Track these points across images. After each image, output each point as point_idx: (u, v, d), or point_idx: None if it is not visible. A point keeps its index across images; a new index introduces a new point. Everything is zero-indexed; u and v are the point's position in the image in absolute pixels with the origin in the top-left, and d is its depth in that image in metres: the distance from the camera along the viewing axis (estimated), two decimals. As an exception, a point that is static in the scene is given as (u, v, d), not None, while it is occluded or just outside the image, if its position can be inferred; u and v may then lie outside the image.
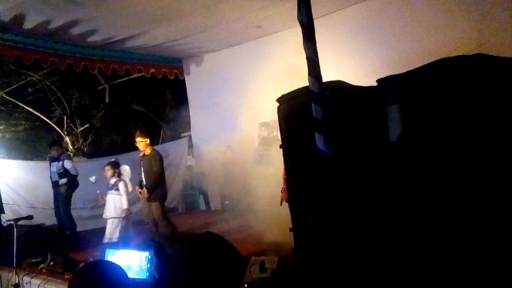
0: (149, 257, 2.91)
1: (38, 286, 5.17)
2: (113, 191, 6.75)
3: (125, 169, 7.00)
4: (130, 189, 6.84)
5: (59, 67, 8.67)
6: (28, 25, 7.12)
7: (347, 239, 2.02)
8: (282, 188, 6.68)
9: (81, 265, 4.12)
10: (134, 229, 7.09)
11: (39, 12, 6.75)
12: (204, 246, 4.48)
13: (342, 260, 2.05)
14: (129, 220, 6.86)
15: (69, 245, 6.93)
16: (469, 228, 2.81)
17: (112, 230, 6.63)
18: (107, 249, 3.91)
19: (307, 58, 3.26)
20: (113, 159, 7.22)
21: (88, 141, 14.72)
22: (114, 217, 6.66)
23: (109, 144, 14.75)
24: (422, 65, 3.15)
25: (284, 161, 3.87)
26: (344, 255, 2.06)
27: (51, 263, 5.66)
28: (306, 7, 3.27)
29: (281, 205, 6.52)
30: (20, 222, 5.62)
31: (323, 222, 2.06)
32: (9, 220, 6.19)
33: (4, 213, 7.45)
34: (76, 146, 14.29)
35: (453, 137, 2.92)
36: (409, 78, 3.17)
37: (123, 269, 1.79)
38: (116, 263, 1.83)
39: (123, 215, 6.66)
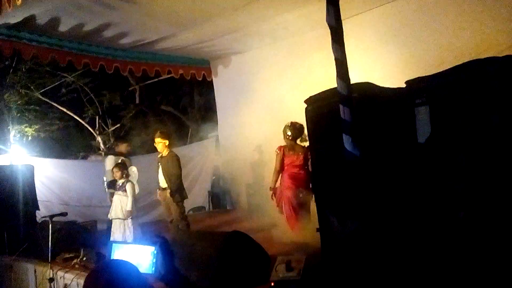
0: (155, 252, 2.97)
1: (72, 280, 5.34)
2: (120, 192, 6.77)
3: (133, 170, 7.07)
4: (137, 190, 6.89)
5: (92, 68, 8.88)
6: (62, 28, 7.32)
7: (372, 241, 2.04)
8: (273, 189, 6.64)
9: (95, 266, 4.23)
10: (153, 228, 7.19)
11: (72, 16, 6.93)
12: (232, 245, 4.54)
13: (368, 261, 2.07)
14: (136, 222, 6.85)
15: (101, 241, 7.11)
16: (499, 230, 2.78)
17: (115, 231, 6.67)
18: (113, 244, 3.99)
19: (335, 59, 3.29)
20: (120, 160, 7.29)
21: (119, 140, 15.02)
22: (119, 218, 6.68)
23: (139, 144, 15.02)
24: (451, 66, 3.14)
25: (311, 161, 3.90)
26: (369, 257, 2.08)
27: (84, 258, 5.84)
28: (334, 9, 3.31)
29: (278, 206, 6.59)
30: (54, 219, 5.80)
31: (347, 223, 2.08)
32: (44, 217, 6.40)
33: (39, 209, 7.71)
34: (107, 146, 14.62)
35: (482, 139, 2.90)
36: (438, 80, 3.16)
37: (136, 268, 1.82)
38: (129, 262, 1.86)
39: (127, 217, 6.65)
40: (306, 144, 6.24)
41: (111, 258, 3.94)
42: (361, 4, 7.11)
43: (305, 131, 5.52)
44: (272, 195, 6.57)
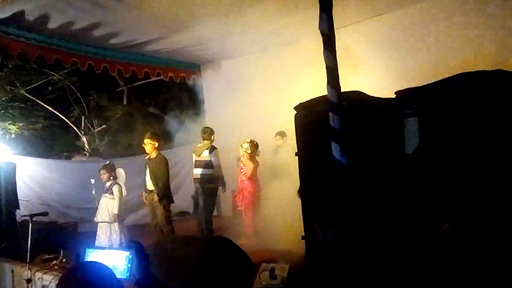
0: (130, 257, 2.91)
1: (50, 282, 5.24)
2: (107, 195, 6.68)
3: (120, 172, 6.95)
4: (124, 193, 6.78)
5: (80, 67, 8.78)
6: (52, 25, 7.23)
7: (354, 248, 2.02)
8: (236, 195, 7.15)
9: (68, 267, 4.14)
10: (138, 232, 7.11)
11: (63, 13, 6.85)
12: (214, 250, 4.48)
13: (349, 268, 2.05)
14: (123, 225, 6.76)
15: (81, 243, 6.99)
16: (483, 244, 2.78)
17: (102, 235, 6.55)
18: (87, 249, 3.92)
19: (326, 67, 3.28)
20: (108, 162, 7.19)
21: (104, 141, 14.87)
22: (105, 221, 6.56)
23: (125, 145, 14.89)
24: (441, 78, 3.15)
25: (299, 168, 3.88)
26: (350, 264, 2.06)
27: (64, 259, 5.74)
28: (327, 16, 3.31)
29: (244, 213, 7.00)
30: (34, 219, 5.68)
31: (329, 230, 2.06)
32: (24, 216, 6.27)
33: (19, 209, 7.56)
34: (92, 146, 14.45)
35: (470, 152, 2.90)
36: (428, 91, 3.17)
37: (111, 270, 1.80)
38: (104, 264, 1.84)
39: (113, 220, 6.55)
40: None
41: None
42: (355, 15, 7.16)
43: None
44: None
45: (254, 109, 8.36)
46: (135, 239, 4.08)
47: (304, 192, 2.23)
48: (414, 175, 3.10)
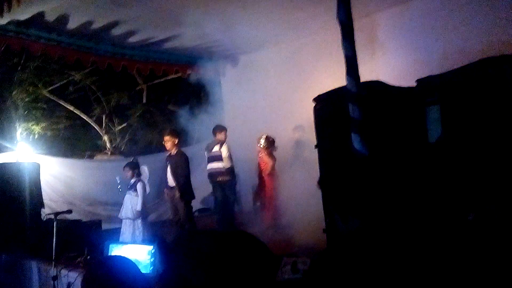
0: (153, 251, 2.93)
1: (75, 279, 5.30)
2: (131, 192, 6.73)
3: (144, 169, 6.99)
4: (148, 190, 6.83)
5: (100, 67, 8.87)
6: (71, 25, 7.31)
7: (374, 240, 1.97)
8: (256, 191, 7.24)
9: (92, 262, 4.17)
10: (160, 229, 7.17)
11: (82, 13, 6.92)
12: (236, 244, 4.48)
13: (369, 261, 2.00)
14: (146, 222, 6.82)
15: (105, 240, 7.07)
16: (509, 234, 2.70)
17: (125, 231, 6.63)
18: (110, 245, 3.96)
19: (345, 57, 3.23)
20: (132, 160, 7.25)
21: (125, 140, 15.01)
22: (129, 218, 6.64)
23: (145, 143, 15.01)
24: (463, 65, 3.07)
25: (318, 160, 3.84)
26: (370, 256, 2.01)
27: (88, 257, 5.81)
28: (345, 5, 3.25)
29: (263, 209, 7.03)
30: (58, 218, 5.77)
31: (349, 221, 2.01)
32: (49, 214, 6.37)
33: (44, 208, 7.69)
34: (113, 145, 14.60)
35: (494, 140, 2.82)
36: (450, 78, 3.08)
37: (134, 264, 1.81)
38: (128, 258, 1.85)
39: (137, 217, 6.61)
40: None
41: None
42: (374, 5, 7.06)
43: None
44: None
45: (272, 103, 8.32)
46: (157, 234, 4.13)
47: (323, 183, 2.21)
48: (437, 164, 3.02)
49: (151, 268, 3.09)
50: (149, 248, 3.01)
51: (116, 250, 3.74)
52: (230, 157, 7.31)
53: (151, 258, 2.93)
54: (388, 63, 6.66)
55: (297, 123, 7.59)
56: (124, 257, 1.88)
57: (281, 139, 7.62)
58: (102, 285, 1.67)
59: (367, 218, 2.23)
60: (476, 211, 2.77)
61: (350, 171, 2.42)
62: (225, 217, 7.16)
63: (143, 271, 3.27)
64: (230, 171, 7.30)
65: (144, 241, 3.90)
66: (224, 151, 7.22)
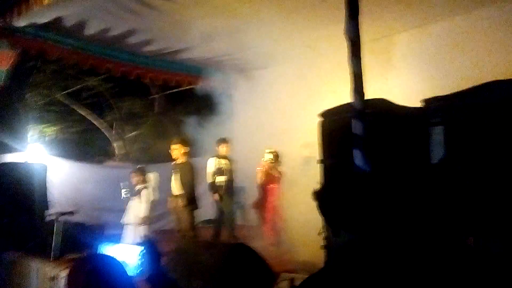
0: (142, 253, 2.93)
1: (73, 281, 5.29)
2: (136, 198, 6.76)
3: (151, 177, 7.03)
4: (154, 197, 6.83)
5: (114, 74, 8.97)
6: (88, 31, 7.40)
7: (368, 255, 1.94)
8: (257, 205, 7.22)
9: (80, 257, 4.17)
10: (162, 236, 7.15)
11: (99, 20, 7.02)
12: (235, 256, 4.45)
13: (364, 275, 1.97)
14: (149, 229, 6.82)
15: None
16: (509, 261, 2.65)
17: (127, 236, 6.63)
18: (102, 244, 3.96)
19: (352, 73, 3.24)
20: (139, 166, 7.28)
21: (135, 147, 15.11)
22: (132, 224, 6.65)
23: (155, 152, 15.09)
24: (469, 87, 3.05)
25: (320, 175, 3.83)
26: (365, 271, 1.98)
27: (86, 259, 5.80)
28: (354, 22, 3.28)
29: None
30: (63, 221, 5.78)
31: (341, 234, 1.99)
32: (51, 215, 6.41)
33: (48, 209, 7.73)
34: (122, 152, 14.70)
35: (497, 164, 2.79)
36: (456, 100, 3.07)
37: (120, 263, 1.80)
38: (114, 257, 1.84)
39: (139, 223, 6.62)
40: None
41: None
42: (388, 28, 7.13)
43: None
44: None
45: (281, 119, 8.34)
46: (149, 236, 4.13)
47: (318, 196, 2.18)
48: (439, 185, 2.99)
49: (140, 269, 3.09)
50: (139, 249, 3.00)
51: (106, 249, 3.75)
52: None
53: (140, 259, 2.93)
54: (402, 84, 6.70)
55: (305, 140, 7.57)
56: (110, 257, 1.89)
57: (288, 155, 7.61)
58: (85, 282, 1.67)
59: (359, 232, 2.20)
60: (476, 235, 2.72)
61: (347, 185, 2.40)
62: (220, 231, 7.21)
63: (130, 272, 3.27)
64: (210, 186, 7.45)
65: (135, 243, 3.91)
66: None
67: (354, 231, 2.28)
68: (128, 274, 1.95)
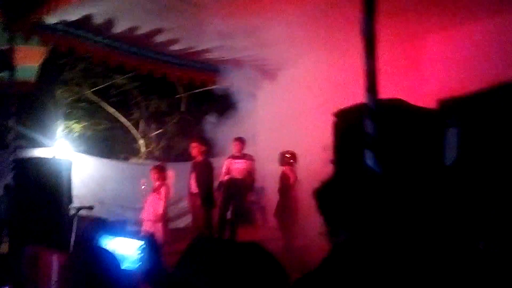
0: (141, 247, 2.93)
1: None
2: (154, 195, 6.85)
3: (170, 174, 7.11)
4: (172, 195, 6.93)
5: (141, 72, 9.09)
6: (116, 29, 7.53)
7: (366, 254, 1.91)
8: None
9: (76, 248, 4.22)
10: (179, 234, 7.21)
11: (128, 18, 7.14)
12: (247, 256, 4.43)
13: (356, 275, 1.95)
14: (166, 226, 6.92)
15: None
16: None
17: (143, 232, 6.68)
18: (102, 236, 3.98)
19: (366, 72, 3.20)
20: (159, 163, 7.35)
21: (160, 145, 15.29)
22: (150, 220, 6.74)
23: (180, 151, 15.24)
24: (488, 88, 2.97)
25: (330, 174, 3.77)
26: (364, 272, 1.95)
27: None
28: (370, 20, 3.24)
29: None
30: (86, 216, 5.85)
31: (339, 232, 1.97)
32: (71, 208, 6.52)
33: (71, 203, 7.87)
34: (148, 150, 14.90)
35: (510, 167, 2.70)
36: (472, 101, 2.99)
37: (115, 257, 1.82)
38: (110, 251, 1.86)
39: (157, 220, 6.70)
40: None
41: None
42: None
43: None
44: None
45: (303, 120, 8.30)
46: (150, 231, 4.14)
47: (319, 194, 2.14)
48: (451, 187, 2.92)
49: (138, 263, 3.10)
50: (140, 243, 3.02)
51: (106, 242, 3.79)
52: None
53: (140, 253, 2.94)
54: (428, 86, 6.59)
55: (326, 142, 7.51)
56: (105, 249, 1.91)
57: (309, 157, 7.56)
58: (79, 273, 1.70)
59: (357, 231, 2.16)
60: (487, 240, 2.64)
61: (351, 185, 2.37)
62: (235, 230, 7.25)
63: (128, 265, 3.30)
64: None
65: (136, 236, 3.95)
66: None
67: (354, 231, 2.24)
68: (123, 267, 1.97)
